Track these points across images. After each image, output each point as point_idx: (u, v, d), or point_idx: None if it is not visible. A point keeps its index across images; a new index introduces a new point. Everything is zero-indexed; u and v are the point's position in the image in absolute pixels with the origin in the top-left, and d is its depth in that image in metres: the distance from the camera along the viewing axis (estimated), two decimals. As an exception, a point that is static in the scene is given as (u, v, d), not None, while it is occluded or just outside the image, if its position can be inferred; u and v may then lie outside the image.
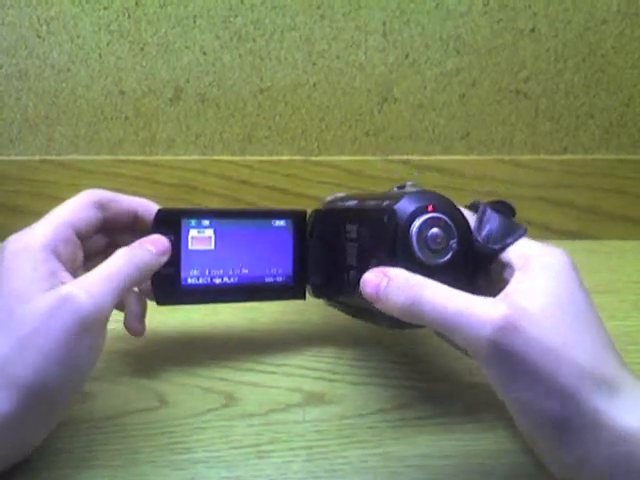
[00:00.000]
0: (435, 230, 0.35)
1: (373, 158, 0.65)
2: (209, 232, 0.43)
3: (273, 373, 0.44)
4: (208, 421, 0.39)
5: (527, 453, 0.37)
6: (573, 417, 0.29)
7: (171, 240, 0.40)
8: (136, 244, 0.38)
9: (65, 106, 0.63)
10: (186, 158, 0.65)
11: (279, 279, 0.45)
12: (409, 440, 0.38)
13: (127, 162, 0.64)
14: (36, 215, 0.67)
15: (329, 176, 0.65)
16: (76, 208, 0.41)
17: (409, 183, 0.40)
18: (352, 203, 0.42)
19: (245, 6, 0.59)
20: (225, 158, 0.64)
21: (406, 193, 0.37)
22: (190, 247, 0.42)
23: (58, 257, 0.36)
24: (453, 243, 0.35)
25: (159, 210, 0.42)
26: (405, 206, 0.35)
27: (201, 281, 0.43)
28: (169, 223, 0.42)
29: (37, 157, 0.64)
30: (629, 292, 0.56)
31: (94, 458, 0.36)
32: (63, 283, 0.34)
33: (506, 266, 0.35)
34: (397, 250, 0.35)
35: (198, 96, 0.62)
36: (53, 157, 0.64)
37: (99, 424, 0.39)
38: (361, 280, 0.35)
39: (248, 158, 0.65)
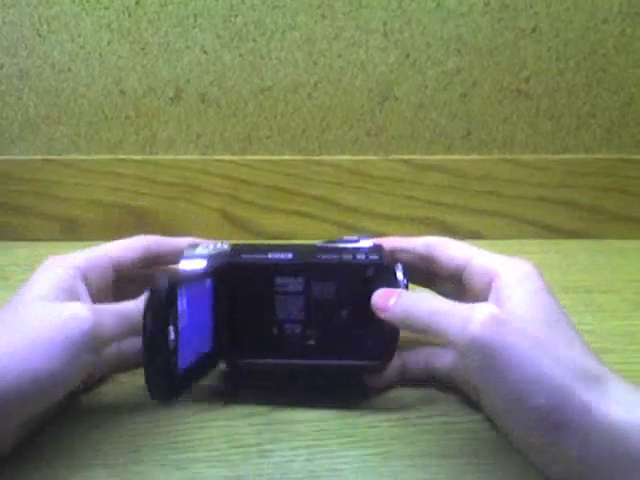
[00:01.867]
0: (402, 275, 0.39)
1: (374, 158, 0.65)
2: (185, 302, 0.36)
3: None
4: (209, 420, 0.39)
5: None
6: (562, 410, 0.30)
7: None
8: None
9: (66, 105, 0.63)
10: (187, 157, 0.65)
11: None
12: (410, 439, 0.38)
13: (128, 161, 0.64)
14: (37, 214, 0.67)
15: (330, 175, 0.65)
16: (123, 248, 0.42)
17: (354, 238, 0.42)
18: (282, 257, 0.40)
19: (246, 6, 0.59)
20: (226, 158, 0.64)
21: (369, 249, 0.40)
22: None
23: (86, 281, 0.38)
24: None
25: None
26: (386, 258, 0.40)
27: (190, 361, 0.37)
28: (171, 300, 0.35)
29: (38, 157, 0.64)
30: (630, 291, 0.56)
31: (94, 457, 0.36)
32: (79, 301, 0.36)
33: (478, 278, 0.38)
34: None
35: (199, 96, 0.62)
36: (54, 157, 0.64)
37: (99, 422, 0.39)
38: (373, 298, 0.37)
39: (249, 158, 0.64)
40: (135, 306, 0.37)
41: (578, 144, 0.65)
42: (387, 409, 0.40)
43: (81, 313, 0.34)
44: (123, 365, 0.43)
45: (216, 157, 0.64)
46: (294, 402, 0.41)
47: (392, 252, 0.42)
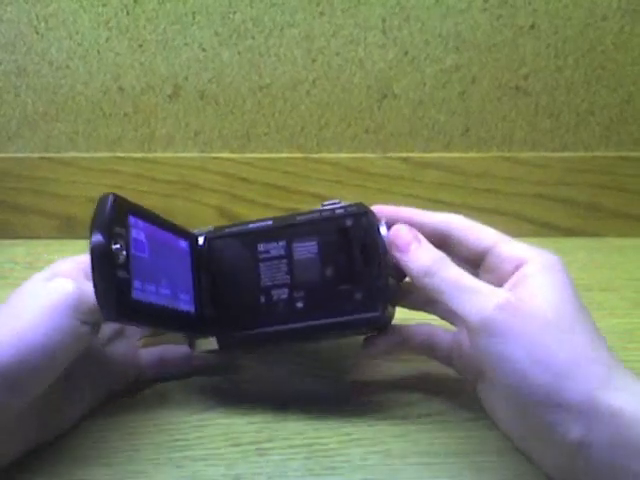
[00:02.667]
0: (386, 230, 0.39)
1: (373, 155, 0.65)
2: (142, 235, 0.36)
3: (271, 370, 0.44)
4: (208, 419, 0.39)
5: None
6: (566, 391, 0.30)
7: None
8: None
9: (64, 103, 0.63)
10: (185, 155, 0.64)
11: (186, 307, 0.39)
12: (409, 438, 0.38)
13: (126, 159, 0.64)
14: (35, 212, 0.67)
15: (328, 173, 0.64)
16: None
17: (335, 201, 0.41)
18: (262, 225, 0.40)
19: (244, 3, 0.59)
20: (224, 155, 0.64)
21: (349, 204, 0.40)
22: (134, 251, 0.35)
23: (86, 274, 0.38)
24: None
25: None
26: (366, 211, 0.40)
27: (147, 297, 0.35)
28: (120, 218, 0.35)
29: (36, 154, 0.64)
30: (629, 289, 0.56)
31: (94, 456, 0.36)
32: None
33: (503, 264, 0.36)
34: (378, 250, 0.38)
35: (197, 93, 0.62)
36: (52, 154, 0.64)
37: (99, 421, 0.39)
38: (392, 232, 0.37)
39: (247, 155, 0.64)
40: None
41: (577, 142, 0.65)
42: (386, 408, 0.40)
43: (63, 284, 0.36)
44: (164, 371, 0.43)
45: (214, 154, 0.64)
46: (293, 400, 0.41)
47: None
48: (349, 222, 0.39)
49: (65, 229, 0.66)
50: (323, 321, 0.38)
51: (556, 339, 0.31)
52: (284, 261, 0.39)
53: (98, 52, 0.61)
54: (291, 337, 0.39)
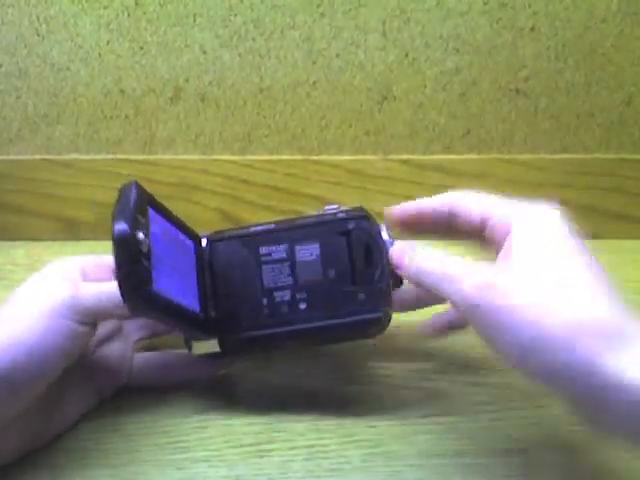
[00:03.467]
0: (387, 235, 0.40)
1: (373, 157, 0.65)
2: (159, 228, 0.36)
3: (272, 372, 0.44)
4: (208, 420, 0.39)
5: (526, 453, 0.37)
6: (567, 369, 0.29)
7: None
8: None
9: (65, 105, 0.63)
10: (186, 157, 0.64)
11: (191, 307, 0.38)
12: (409, 439, 0.38)
13: (127, 161, 0.64)
14: (35, 214, 0.67)
15: (329, 175, 0.65)
16: None
17: (335, 205, 0.43)
18: (264, 227, 0.40)
19: (245, 5, 0.59)
20: (225, 157, 0.64)
21: (350, 209, 0.41)
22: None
23: (85, 275, 0.38)
24: None
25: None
26: (368, 215, 0.41)
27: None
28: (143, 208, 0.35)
29: (37, 156, 0.64)
30: (629, 291, 0.56)
31: (95, 457, 0.36)
32: None
33: (497, 234, 0.36)
34: (380, 252, 0.39)
35: (198, 95, 0.62)
36: (53, 156, 0.64)
37: (100, 423, 0.39)
38: (391, 253, 0.38)
39: (248, 157, 0.64)
40: (114, 283, 0.37)
41: (577, 143, 0.65)
42: (386, 409, 0.40)
43: (59, 284, 0.36)
44: (161, 379, 0.43)
45: (215, 157, 0.64)
46: (293, 402, 0.41)
47: (408, 221, 0.41)
48: (351, 225, 0.39)
49: (66, 231, 0.66)
50: (326, 322, 0.38)
51: (546, 317, 0.30)
52: (286, 263, 0.39)
53: (99, 54, 0.61)
54: (294, 339, 0.40)
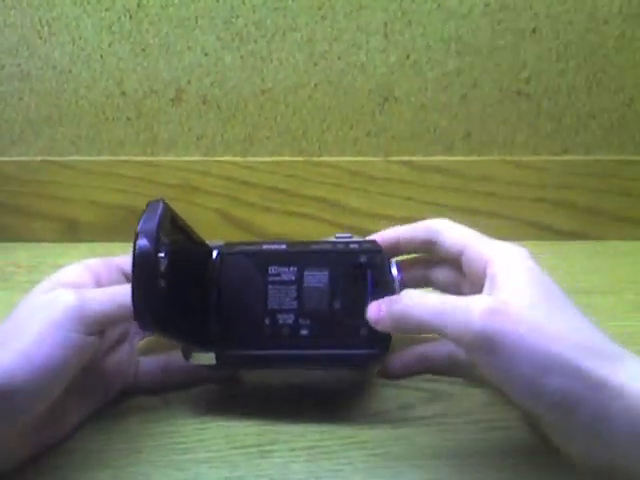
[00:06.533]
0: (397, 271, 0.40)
1: (374, 159, 0.65)
2: (179, 245, 0.37)
3: (273, 373, 0.44)
4: (210, 421, 0.39)
5: (527, 454, 0.37)
6: (578, 388, 0.29)
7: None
8: None
9: (67, 107, 0.63)
10: (187, 159, 0.65)
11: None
12: (411, 440, 0.38)
13: (128, 163, 0.64)
14: (38, 216, 0.67)
15: (330, 177, 0.65)
16: (130, 258, 0.42)
17: (348, 234, 0.42)
18: (276, 247, 0.41)
19: (246, 7, 0.59)
20: (226, 159, 0.65)
21: (362, 240, 0.41)
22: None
23: (96, 278, 0.38)
24: None
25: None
26: (381, 250, 0.40)
27: None
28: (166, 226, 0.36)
29: (39, 158, 0.64)
30: (630, 293, 0.56)
31: (96, 458, 0.36)
32: None
33: (474, 265, 0.37)
34: (389, 289, 0.39)
35: (199, 97, 0.62)
36: (55, 158, 0.64)
37: (101, 424, 0.39)
38: (367, 311, 0.37)
39: (249, 159, 0.65)
40: (121, 287, 0.37)
41: (578, 145, 0.65)
42: (387, 410, 0.41)
43: (65, 295, 0.35)
44: (165, 382, 0.42)
45: (216, 158, 0.65)
46: (294, 403, 0.41)
47: (394, 243, 0.42)
48: (363, 258, 0.39)
49: (67, 232, 0.66)
50: (325, 352, 0.39)
51: (552, 340, 0.30)
52: (293, 287, 0.39)
53: (101, 56, 0.61)
54: (290, 363, 0.40)
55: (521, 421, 0.39)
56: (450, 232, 0.40)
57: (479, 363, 0.32)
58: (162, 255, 0.33)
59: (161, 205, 0.34)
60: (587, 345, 0.31)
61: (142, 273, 0.32)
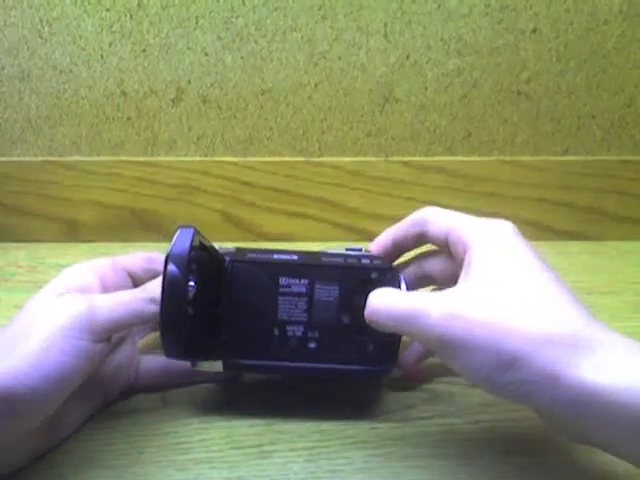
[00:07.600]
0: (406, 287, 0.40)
1: (374, 159, 0.65)
2: (204, 270, 0.38)
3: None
4: (210, 421, 0.39)
5: (527, 454, 0.37)
6: (529, 382, 0.29)
7: None
8: None
9: (67, 107, 0.63)
10: (188, 159, 0.65)
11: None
12: (410, 441, 0.38)
13: (129, 163, 0.64)
14: (38, 216, 0.67)
15: (330, 177, 0.65)
16: (135, 258, 0.42)
17: (358, 247, 0.43)
18: (287, 258, 0.40)
19: (247, 7, 0.59)
20: (226, 159, 0.65)
21: (373, 256, 0.41)
22: None
23: (103, 280, 0.38)
24: None
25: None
26: (392, 267, 0.40)
27: None
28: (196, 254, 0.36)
29: (39, 158, 0.64)
30: (630, 293, 0.56)
31: (97, 458, 0.36)
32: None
33: (459, 250, 0.37)
34: None
35: (200, 97, 0.63)
36: (55, 158, 0.64)
37: (102, 424, 0.39)
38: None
39: (249, 159, 0.65)
40: (131, 292, 0.37)
41: (578, 145, 0.65)
42: (388, 410, 0.41)
43: (74, 301, 0.34)
44: (166, 382, 0.42)
45: (217, 158, 0.65)
46: (295, 403, 0.41)
47: (391, 246, 0.41)
48: (374, 275, 0.39)
49: (68, 233, 0.66)
50: (332, 366, 0.39)
51: (498, 335, 0.30)
52: (304, 299, 0.39)
53: (101, 56, 0.61)
54: (296, 375, 0.41)
55: (521, 422, 0.39)
56: (435, 218, 0.39)
57: (446, 363, 0.33)
58: (192, 284, 0.34)
59: (192, 232, 0.35)
60: (546, 337, 0.29)
61: (172, 301, 0.34)
